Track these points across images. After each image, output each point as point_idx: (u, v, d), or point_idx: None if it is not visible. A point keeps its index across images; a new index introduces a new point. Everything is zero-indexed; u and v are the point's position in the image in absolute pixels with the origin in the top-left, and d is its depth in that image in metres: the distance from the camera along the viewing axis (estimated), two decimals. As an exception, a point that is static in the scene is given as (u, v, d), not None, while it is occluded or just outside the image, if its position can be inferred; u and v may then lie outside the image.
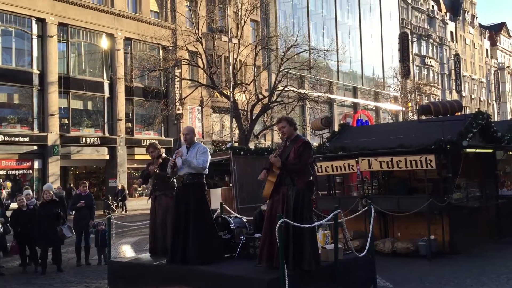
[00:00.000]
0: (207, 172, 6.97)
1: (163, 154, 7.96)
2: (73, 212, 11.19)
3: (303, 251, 5.90)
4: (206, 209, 6.85)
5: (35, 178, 25.61)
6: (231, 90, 25.38)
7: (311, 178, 6.16)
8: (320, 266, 6.10)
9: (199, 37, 25.93)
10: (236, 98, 26.23)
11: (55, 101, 26.14)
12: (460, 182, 10.18)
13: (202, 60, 26.37)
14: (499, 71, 71.43)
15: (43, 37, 26.13)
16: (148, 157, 8.55)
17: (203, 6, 28.14)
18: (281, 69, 26.24)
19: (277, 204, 6.05)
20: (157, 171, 7.67)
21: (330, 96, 37.52)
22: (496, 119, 55.54)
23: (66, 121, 26.75)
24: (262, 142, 31.97)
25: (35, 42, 26.00)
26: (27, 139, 25.11)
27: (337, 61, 38.68)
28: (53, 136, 25.85)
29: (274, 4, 37.16)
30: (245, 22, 27.33)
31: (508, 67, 74.50)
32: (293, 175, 6.00)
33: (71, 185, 25.88)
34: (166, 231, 7.48)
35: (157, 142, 8.64)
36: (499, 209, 11.53)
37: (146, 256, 7.80)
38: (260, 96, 27.17)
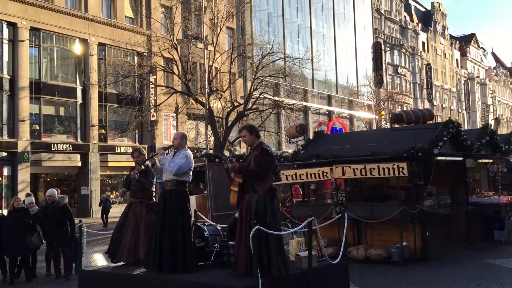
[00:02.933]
0: (188, 180, 6.89)
1: (146, 162, 7.77)
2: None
3: (270, 258, 5.92)
4: (183, 216, 6.74)
5: (5, 186, 24.98)
6: (207, 97, 25.33)
7: (273, 185, 6.21)
8: (289, 272, 6.11)
9: (175, 43, 25.82)
10: (211, 105, 26.17)
11: (26, 106, 25.60)
12: (432, 189, 10.37)
13: (177, 66, 26.27)
14: (469, 81, 73.22)
15: (14, 42, 25.63)
16: (121, 164, 8.43)
17: (178, 12, 28.08)
18: (256, 77, 26.33)
19: (243, 212, 6.10)
20: (137, 178, 7.56)
21: (305, 104, 37.82)
22: (466, 128, 56.87)
23: (37, 127, 26.21)
24: (237, 149, 31.95)
25: (5, 47, 25.48)
26: (-4, 145, 24.53)
27: (312, 70, 39.01)
28: (23, 143, 25.29)
29: (250, 12, 37.33)
30: (220, 30, 27.35)
31: (478, 77, 76.44)
32: (253, 182, 6.03)
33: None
34: (138, 241, 7.36)
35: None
36: (469, 216, 11.76)
37: (117, 265, 7.66)
38: (236, 103, 27.18)
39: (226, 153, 23.60)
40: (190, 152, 6.93)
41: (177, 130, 31.96)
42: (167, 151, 7.02)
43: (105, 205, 22.98)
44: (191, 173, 6.90)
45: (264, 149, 6.16)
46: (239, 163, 6.24)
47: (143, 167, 7.60)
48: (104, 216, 22.83)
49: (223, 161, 6.50)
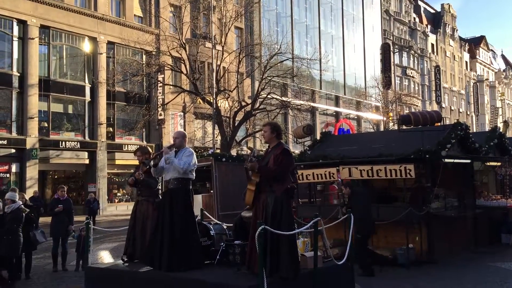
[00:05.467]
0: (193, 177, 6.91)
1: (151, 162, 7.73)
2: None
3: (280, 258, 5.92)
4: (188, 215, 6.78)
5: (13, 182, 25.14)
6: (214, 97, 25.36)
7: (290, 185, 6.18)
8: (298, 274, 6.10)
9: (183, 43, 25.89)
10: (219, 105, 26.20)
11: (34, 104, 25.77)
12: (439, 191, 10.32)
13: (185, 66, 26.32)
14: (478, 84, 72.78)
15: (24, 39, 25.80)
16: (129, 162, 8.45)
17: (187, 12, 28.12)
18: (264, 77, 26.34)
19: (258, 211, 6.07)
20: (141, 178, 7.57)
21: (312, 104, 37.79)
22: (474, 130, 56.53)
23: (46, 125, 26.38)
24: (244, 149, 31.98)
25: (15, 44, 25.65)
26: (5, 142, 24.68)
27: (320, 70, 38.95)
28: (32, 140, 25.46)
29: (259, 12, 37.34)
30: (229, 29, 27.39)
31: (487, 79, 75.96)
32: (271, 181, 6.02)
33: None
34: (145, 238, 7.40)
35: (148, 147, 8.45)
36: (476, 219, 11.70)
37: (124, 262, 7.69)
38: (243, 103, 27.20)
39: (233, 152, 23.62)
40: (192, 150, 7.01)
41: (184, 129, 32.07)
42: (171, 150, 7.02)
43: (92, 206, 20.53)
44: (194, 171, 6.94)
45: (286, 150, 6.14)
46: (258, 162, 6.21)
47: (148, 167, 7.59)
48: (91, 218, 20.32)
49: (244, 159, 6.46)
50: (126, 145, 29.64)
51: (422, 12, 65.88)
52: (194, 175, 6.93)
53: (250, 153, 6.30)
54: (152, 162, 7.11)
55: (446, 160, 10.15)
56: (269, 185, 6.01)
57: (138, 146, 8.26)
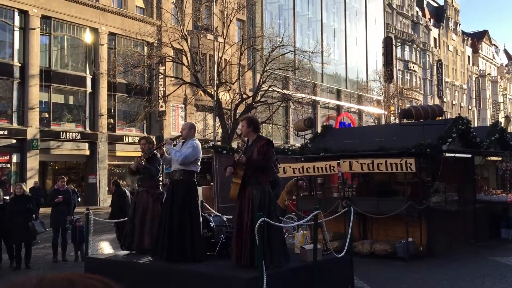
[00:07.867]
0: (196, 169, 6.90)
1: (155, 151, 7.74)
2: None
3: (272, 249, 5.96)
4: (190, 206, 6.76)
5: (13, 172, 25.19)
6: (215, 89, 25.30)
7: (272, 177, 6.31)
8: (289, 261, 6.19)
9: (185, 34, 25.79)
10: (220, 97, 26.15)
11: (35, 94, 25.74)
12: (439, 186, 10.32)
13: (186, 57, 26.24)
14: (480, 78, 72.55)
15: (25, 29, 25.72)
16: (129, 154, 8.46)
17: (189, 3, 27.99)
18: (265, 69, 26.26)
19: (243, 204, 6.10)
20: (142, 163, 7.59)
21: (314, 97, 37.66)
22: (476, 125, 56.42)
23: (47, 115, 26.37)
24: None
25: (17, 34, 25.57)
26: (5, 132, 24.68)
27: (322, 63, 38.81)
28: (32, 130, 25.45)
29: (261, 4, 37.16)
30: (231, 21, 27.26)
31: (489, 74, 75.72)
32: (257, 173, 6.05)
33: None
34: (144, 230, 7.41)
35: (152, 137, 8.50)
36: (476, 213, 11.70)
37: (124, 253, 7.72)
38: (244, 96, 27.13)
39: (234, 145, 23.60)
40: (198, 142, 6.95)
41: (185, 121, 32.00)
42: (175, 141, 7.06)
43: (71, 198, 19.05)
44: (199, 163, 6.91)
45: (269, 141, 6.29)
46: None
47: (148, 156, 7.61)
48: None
49: (236, 152, 6.53)
50: (126, 137, 29.63)
51: (425, 6, 65.57)
52: (199, 167, 6.93)
53: (242, 145, 6.37)
54: (157, 152, 7.16)
55: (447, 154, 10.13)
56: (255, 177, 6.05)
57: (140, 137, 8.29)
